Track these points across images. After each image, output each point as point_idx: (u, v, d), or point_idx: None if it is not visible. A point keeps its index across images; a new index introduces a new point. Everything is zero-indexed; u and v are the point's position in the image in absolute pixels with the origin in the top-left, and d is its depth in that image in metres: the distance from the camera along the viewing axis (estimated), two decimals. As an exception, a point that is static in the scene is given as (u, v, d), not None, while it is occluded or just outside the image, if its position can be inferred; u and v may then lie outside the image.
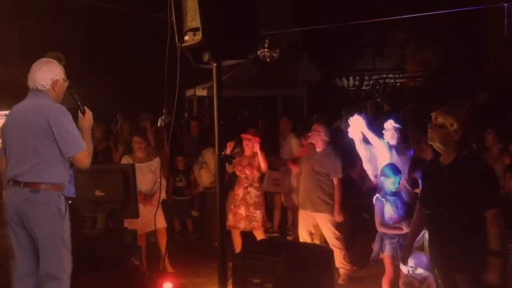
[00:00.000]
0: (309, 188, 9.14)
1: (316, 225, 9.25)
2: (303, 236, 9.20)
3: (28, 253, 5.65)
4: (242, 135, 9.80)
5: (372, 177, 8.84)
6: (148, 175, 9.16)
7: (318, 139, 9.12)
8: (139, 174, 8.74)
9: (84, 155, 5.71)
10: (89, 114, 5.98)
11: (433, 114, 5.31)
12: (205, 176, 11.15)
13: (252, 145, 9.49)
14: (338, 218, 8.96)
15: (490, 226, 5.03)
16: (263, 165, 9.43)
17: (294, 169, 10.18)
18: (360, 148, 8.49)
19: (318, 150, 9.21)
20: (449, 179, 5.24)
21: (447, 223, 5.22)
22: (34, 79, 5.71)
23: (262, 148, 9.53)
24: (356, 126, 8.38)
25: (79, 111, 5.94)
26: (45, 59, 5.91)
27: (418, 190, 7.48)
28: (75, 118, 5.83)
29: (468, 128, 5.18)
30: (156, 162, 9.27)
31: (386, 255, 7.79)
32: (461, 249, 5.14)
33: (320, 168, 9.08)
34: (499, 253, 5.06)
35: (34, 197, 5.52)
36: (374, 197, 7.88)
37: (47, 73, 5.71)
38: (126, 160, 9.29)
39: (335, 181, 9.04)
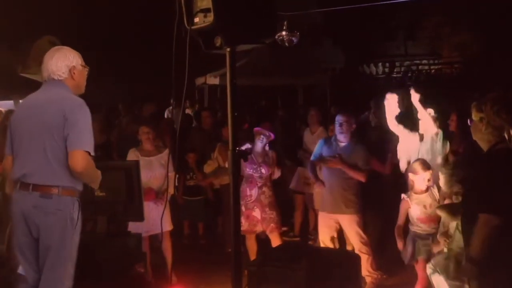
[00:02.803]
0: (334, 188, 9.06)
1: (339, 229, 9.22)
2: (325, 242, 9.15)
3: (34, 266, 5.57)
4: (255, 129, 9.78)
5: (402, 165, 8.94)
6: (159, 170, 9.03)
7: (348, 132, 9.06)
8: (148, 169, 8.76)
9: (82, 155, 5.43)
10: (99, 177, 5.88)
11: (472, 105, 5.34)
12: (208, 166, 11.20)
13: (265, 142, 9.49)
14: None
15: None
16: (276, 172, 9.59)
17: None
18: (395, 127, 9.04)
19: (342, 144, 9.12)
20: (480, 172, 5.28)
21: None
22: (47, 69, 5.62)
23: (276, 150, 9.58)
24: (392, 104, 9.06)
25: None
26: (57, 46, 5.84)
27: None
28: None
29: (493, 118, 5.17)
30: (165, 154, 9.11)
31: (419, 259, 7.81)
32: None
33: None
34: None
35: (45, 204, 5.41)
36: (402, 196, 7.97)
37: (61, 61, 5.62)
38: (133, 153, 9.14)
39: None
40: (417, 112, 8.88)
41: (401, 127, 9.14)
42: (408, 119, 9.33)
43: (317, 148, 9.43)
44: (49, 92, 5.63)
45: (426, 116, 8.66)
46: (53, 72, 5.60)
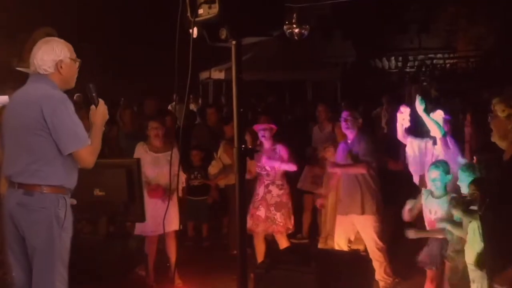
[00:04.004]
0: (347, 188, 9.04)
1: (357, 231, 9.18)
2: (341, 245, 9.10)
3: (24, 267, 5.55)
4: (255, 127, 9.74)
5: (415, 178, 8.91)
6: (167, 167, 8.94)
7: (354, 126, 9.03)
8: (156, 166, 8.83)
9: (87, 152, 5.52)
10: (102, 106, 5.82)
11: (493, 101, 5.27)
12: (213, 167, 11.18)
13: (270, 136, 9.45)
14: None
15: None
16: (290, 165, 9.41)
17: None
18: (404, 139, 8.95)
19: (349, 142, 9.11)
20: (506, 176, 5.21)
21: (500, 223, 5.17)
22: (34, 62, 5.56)
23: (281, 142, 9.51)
24: (405, 116, 8.95)
25: (92, 104, 5.81)
26: (46, 38, 5.78)
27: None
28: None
29: None
30: (174, 152, 9.07)
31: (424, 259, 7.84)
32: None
33: (354, 160, 8.98)
34: None
35: (28, 201, 5.41)
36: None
37: (48, 54, 5.55)
38: (141, 147, 9.14)
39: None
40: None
41: (410, 138, 9.11)
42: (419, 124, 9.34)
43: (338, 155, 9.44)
44: (32, 88, 5.62)
45: (431, 125, 8.65)
46: (39, 66, 5.55)
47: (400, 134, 9.16)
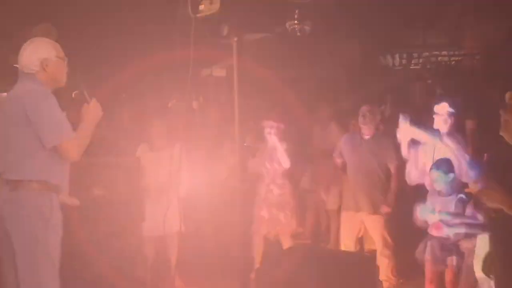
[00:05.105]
0: (359, 186, 9.01)
1: (364, 230, 9.17)
2: (348, 244, 9.12)
3: (12, 267, 5.56)
4: (263, 122, 9.68)
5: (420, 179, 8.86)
6: (169, 167, 8.87)
7: (372, 123, 8.99)
8: (158, 165, 8.62)
9: (70, 145, 5.56)
10: (94, 104, 5.84)
11: (507, 94, 5.21)
12: None
13: (275, 134, 9.42)
14: (385, 209, 8.84)
15: None
16: (284, 160, 9.36)
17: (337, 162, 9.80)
18: (405, 152, 8.69)
19: (366, 137, 9.07)
20: None
21: None
22: (20, 63, 5.69)
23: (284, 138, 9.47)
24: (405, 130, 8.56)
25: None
26: (33, 38, 5.86)
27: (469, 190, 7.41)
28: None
29: None
30: (178, 150, 8.87)
31: (426, 258, 7.83)
32: None
33: (372, 159, 8.97)
34: None
35: (12, 197, 5.46)
36: None
37: (32, 54, 5.66)
38: (143, 147, 8.99)
39: (393, 168, 8.90)
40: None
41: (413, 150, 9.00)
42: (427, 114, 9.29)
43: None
44: (19, 86, 5.72)
45: (423, 137, 8.59)
46: (25, 66, 5.65)
47: (405, 151, 8.96)
